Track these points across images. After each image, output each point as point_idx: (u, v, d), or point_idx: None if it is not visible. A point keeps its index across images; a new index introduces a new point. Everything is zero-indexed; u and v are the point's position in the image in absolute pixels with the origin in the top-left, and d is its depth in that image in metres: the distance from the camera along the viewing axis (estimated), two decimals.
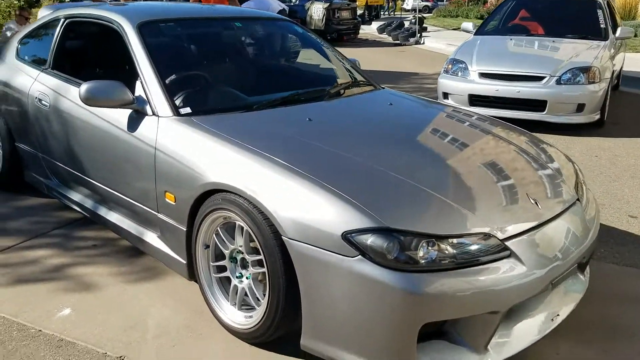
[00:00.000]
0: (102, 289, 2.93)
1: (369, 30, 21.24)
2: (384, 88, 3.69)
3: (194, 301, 2.78)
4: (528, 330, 2.35)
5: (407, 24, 18.59)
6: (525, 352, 2.45)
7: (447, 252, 2.11)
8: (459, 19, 22.86)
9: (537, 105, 6.19)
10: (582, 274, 2.77)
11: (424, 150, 2.76)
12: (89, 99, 2.79)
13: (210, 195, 2.49)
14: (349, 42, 16.78)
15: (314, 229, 2.16)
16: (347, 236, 2.09)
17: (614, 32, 7.41)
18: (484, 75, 6.48)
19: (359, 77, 3.74)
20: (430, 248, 2.10)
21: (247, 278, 2.50)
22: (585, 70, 6.17)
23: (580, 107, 6.13)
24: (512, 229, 2.27)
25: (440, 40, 16.01)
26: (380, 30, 19.81)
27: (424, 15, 22.43)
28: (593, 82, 6.16)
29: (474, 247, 2.16)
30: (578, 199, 2.66)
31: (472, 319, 2.14)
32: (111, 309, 2.75)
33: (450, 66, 6.88)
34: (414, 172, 2.43)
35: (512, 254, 2.20)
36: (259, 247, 2.32)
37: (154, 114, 2.80)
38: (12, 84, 3.75)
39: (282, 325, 2.33)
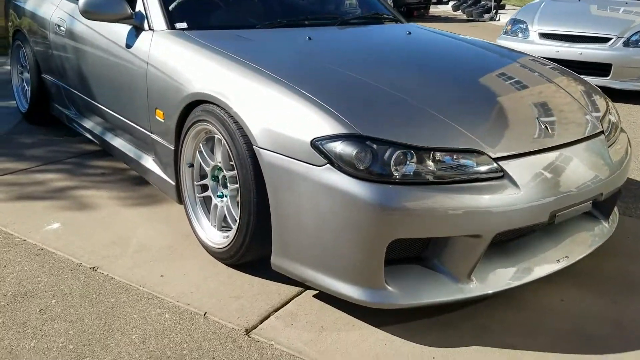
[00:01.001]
0: (96, 210, 2.90)
1: (445, 8, 20.54)
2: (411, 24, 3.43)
3: (183, 226, 2.68)
4: (528, 268, 2.09)
5: (483, 1, 17.78)
6: (527, 293, 2.23)
7: (427, 166, 1.88)
8: None
9: (601, 69, 5.67)
10: (606, 221, 2.45)
11: (428, 71, 2.51)
12: (87, 12, 2.73)
13: (193, 109, 2.37)
14: (419, 18, 16.25)
15: (284, 137, 1.99)
16: (316, 143, 1.91)
17: None
18: (544, 35, 6.01)
19: (385, 12, 3.49)
20: (409, 161, 1.88)
21: (226, 197, 2.37)
22: None
23: None
24: (510, 149, 2.01)
25: None
26: (455, 7, 19.09)
27: None
28: None
29: (459, 163, 1.92)
30: (602, 132, 2.33)
31: (452, 244, 1.91)
32: (99, 227, 2.71)
33: (510, 27, 6.45)
34: (406, 87, 2.20)
35: (505, 176, 1.94)
36: (233, 160, 2.18)
37: (150, 28, 2.71)
38: (38, 14, 3.79)
39: (254, 244, 2.19)
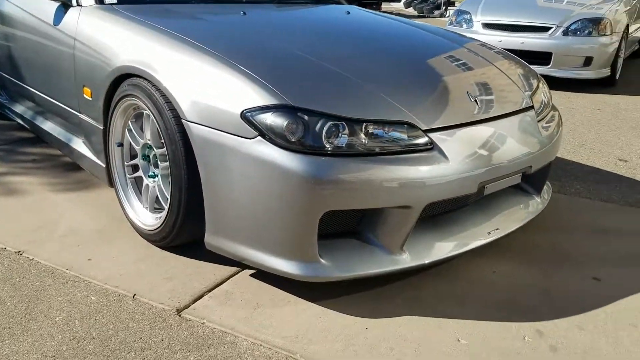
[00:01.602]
0: (24, 195, 2.77)
1: (397, 5, 20.77)
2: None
3: (115, 210, 2.59)
4: (459, 240, 2.11)
5: None
6: (460, 265, 2.25)
7: (360, 138, 1.87)
8: None
9: (542, 57, 5.81)
10: (538, 196, 2.50)
11: (363, 47, 2.48)
12: None
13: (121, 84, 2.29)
14: None
15: (214, 110, 1.93)
16: (246, 115, 1.86)
17: None
18: (487, 25, 6.12)
19: None
20: (341, 132, 1.85)
21: (158, 176, 2.29)
22: (596, 21, 5.76)
23: (587, 61, 5.73)
24: (440, 122, 2.01)
25: None
26: (407, 4, 19.37)
27: None
28: (604, 35, 5.74)
29: (390, 135, 1.91)
30: (532, 107, 2.37)
31: (384, 215, 1.90)
32: (27, 212, 2.60)
33: (455, 17, 6.55)
34: (340, 61, 2.18)
35: (435, 147, 1.94)
36: (162, 136, 2.11)
37: (78, 4, 2.60)
38: None
39: (187, 224, 2.12)
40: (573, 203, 2.96)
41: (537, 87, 2.56)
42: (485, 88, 2.29)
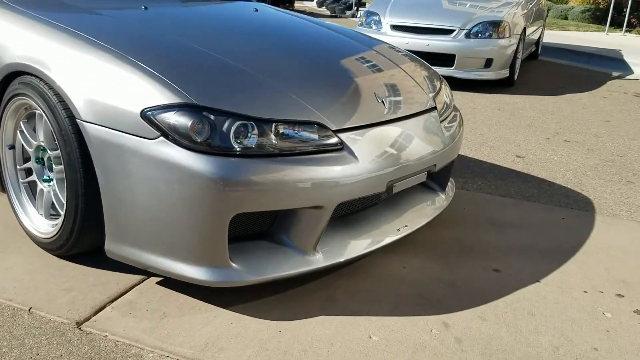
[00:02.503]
0: None
1: (310, 4, 20.92)
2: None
3: (8, 217, 2.40)
4: (371, 238, 2.13)
5: None
6: (372, 263, 2.29)
7: (268, 137, 1.84)
8: None
9: (446, 59, 6.03)
10: (442, 192, 2.58)
11: (272, 45, 2.45)
12: None
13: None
14: None
15: (111, 109, 1.83)
16: (147, 114, 1.78)
17: None
18: (395, 27, 6.28)
19: None
20: (250, 133, 1.81)
21: (53, 180, 2.15)
22: (496, 24, 6.06)
23: (488, 63, 6.02)
24: (349, 122, 2.02)
25: None
26: (319, 3, 19.58)
27: None
28: (503, 37, 6.06)
29: (300, 135, 1.90)
30: (435, 108, 2.44)
31: (297, 216, 1.89)
32: None
33: (364, 19, 6.66)
34: (247, 59, 2.14)
35: (344, 147, 1.95)
36: (55, 137, 1.97)
37: None
38: None
39: (85, 231, 2.00)
40: (475, 198, 3.09)
41: (440, 88, 2.64)
42: (392, 89, 2.33)
